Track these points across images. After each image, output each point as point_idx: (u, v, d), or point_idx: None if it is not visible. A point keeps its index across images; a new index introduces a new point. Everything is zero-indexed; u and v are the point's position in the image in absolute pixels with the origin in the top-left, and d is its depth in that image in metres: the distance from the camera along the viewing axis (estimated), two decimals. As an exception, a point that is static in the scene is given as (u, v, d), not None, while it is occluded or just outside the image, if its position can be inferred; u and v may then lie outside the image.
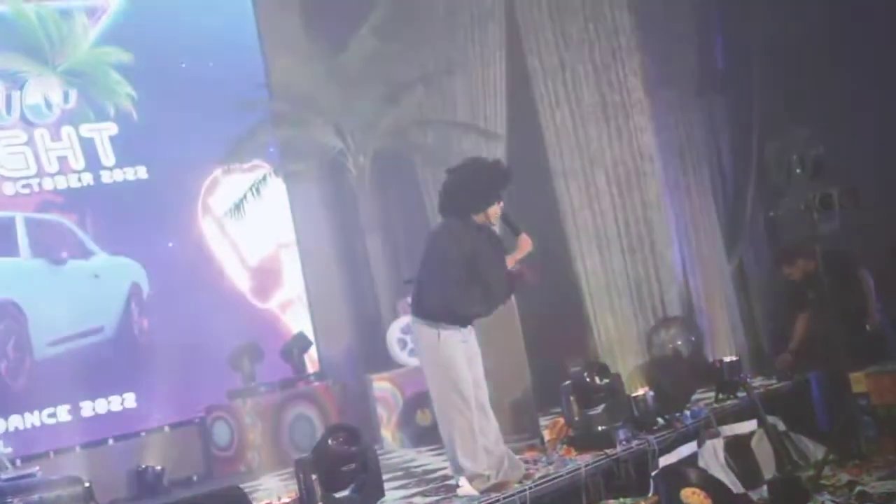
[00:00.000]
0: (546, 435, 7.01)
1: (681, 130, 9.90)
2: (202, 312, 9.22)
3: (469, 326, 5.82)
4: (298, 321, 9.81)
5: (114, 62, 9.15)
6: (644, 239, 9.73)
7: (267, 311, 9.80)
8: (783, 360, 8.40)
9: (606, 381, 6.70)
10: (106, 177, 9.02)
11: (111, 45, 9.14)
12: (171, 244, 9.31)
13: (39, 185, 8.68)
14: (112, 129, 9.10)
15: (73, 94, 8.92)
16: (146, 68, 9.24)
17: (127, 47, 9.17)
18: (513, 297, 6.88)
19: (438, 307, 5.70)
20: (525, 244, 5.83)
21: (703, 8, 9.65)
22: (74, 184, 8.84)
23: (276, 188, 9.70)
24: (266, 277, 9.85)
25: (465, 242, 5.70)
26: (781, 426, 7.51)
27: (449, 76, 9.99)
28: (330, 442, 5.44)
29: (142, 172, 9.19)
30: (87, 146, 8.95)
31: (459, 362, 5.70)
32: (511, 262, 5.84)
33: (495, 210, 5.84)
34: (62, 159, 8.83)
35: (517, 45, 9.98)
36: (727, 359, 8.01)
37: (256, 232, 9.73)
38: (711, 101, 9.95)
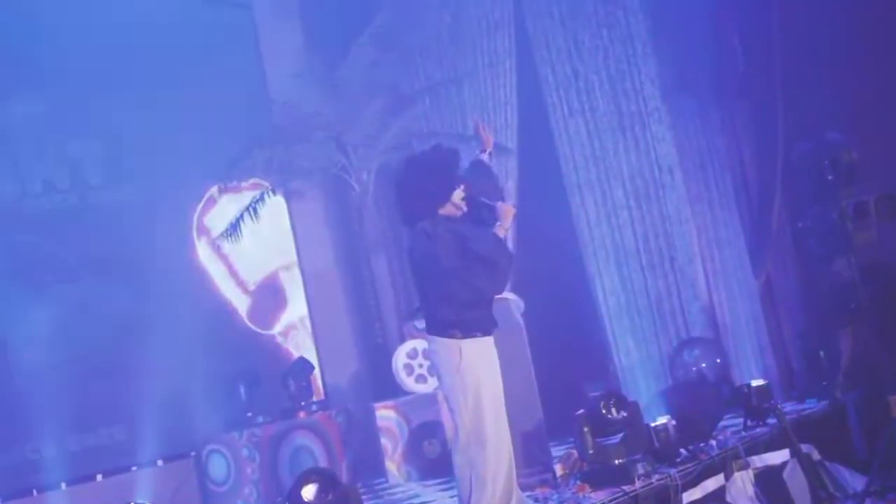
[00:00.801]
0: (558, 469, 6.48)
1: (701, 139, 9.52)
2: (198, 338, 8.74)
3: (491, 338, 5.38)
4: (301, 346, 9.33)
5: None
6: (664, 254, 9.33)
7: (267, 336, 9.31)
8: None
9: (624, 414, 6.19)
10: (93, 196, 8.56)
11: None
12: (163, 266, 8.81)
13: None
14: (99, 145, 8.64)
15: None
16: (138, 80, 8.75)
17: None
18: (520, 318, 6.43)
19: (453, 315, 5.26)
20: (507, 211, 5.44)
21: (720, 9, 9.17)
22: (59, 204, 8.38)
23: (276, 207, 9.23)
24: (266, 301, 9.36)
25: (445, 237, 5.27)
26: (816, 455, 7.05)
27: (456, 86, 9.55)
28: (303, 493, 4.87)
29: (131, 191, 8.72)
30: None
31: (488, 379, 5.26)
32: (501, 231, 5.40)
33: (459, 194, 5.38)
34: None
35: (527, 53, 9.59)
36: (756, 382, 7.49)
37: (255, 253, 9.25)
38: (732, 108, 9.54)
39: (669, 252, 9.31)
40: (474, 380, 5.23)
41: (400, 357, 8.45)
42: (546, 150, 9.52)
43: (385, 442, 8.12)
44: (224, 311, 9.14)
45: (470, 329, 5.25)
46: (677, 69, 9.24)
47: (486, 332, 5.34)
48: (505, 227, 5.39)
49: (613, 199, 9.40)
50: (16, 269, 8.09)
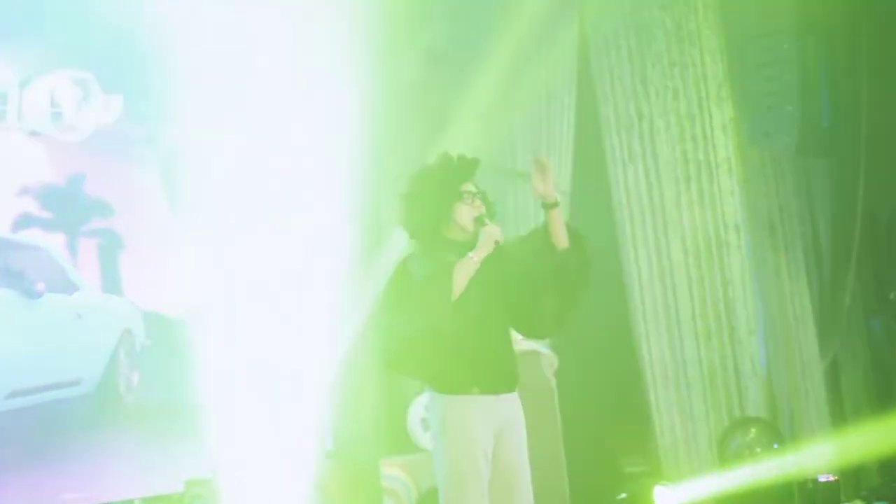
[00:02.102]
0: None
1: (773, 199, 8.68)
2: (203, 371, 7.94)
3: (501, 395, 4.42)
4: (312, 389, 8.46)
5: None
6: (723, 323, 8.46)
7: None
8: None
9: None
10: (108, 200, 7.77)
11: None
12: (174, 286, 8.03)
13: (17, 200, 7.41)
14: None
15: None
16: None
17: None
18: (552, 376, 5.57)
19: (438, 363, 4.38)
20: (488, 235, 4.37)
21: (809, 55, 8.32)
22: (68, 203, 7.59)
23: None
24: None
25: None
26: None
27: (509, 117, 8.79)
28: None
29: (152, 197, 7.94)
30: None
31: (474, 456, 4.29)
32: (469, 264, 4.34)
33: (465, 212, 4.46)
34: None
35: (589, 89, 8.81)
36: (822, 477, 6.56)
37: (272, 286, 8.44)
38: (810, 167, 8.67)
39: (728, 320, 8.45)
40: (455, 451, 4.31)
41: (416, 408, 7.59)
42: (601, 197, 8.73)
43: (390, 504, 7.26)
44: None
45: (459, 383, 4.34)
46: (754, 118, 8.37)
47: (490, 390, 4.42)
48: (477, 258, 4.35)
49: (670, 257, 8.55)
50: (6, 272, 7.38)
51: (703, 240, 8.50)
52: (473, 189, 4.50)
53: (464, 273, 4.32)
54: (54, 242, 7.48)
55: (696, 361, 8.37)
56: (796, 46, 8.21)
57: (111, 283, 7.74)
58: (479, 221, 4.43)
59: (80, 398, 7.50)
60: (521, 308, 4.48)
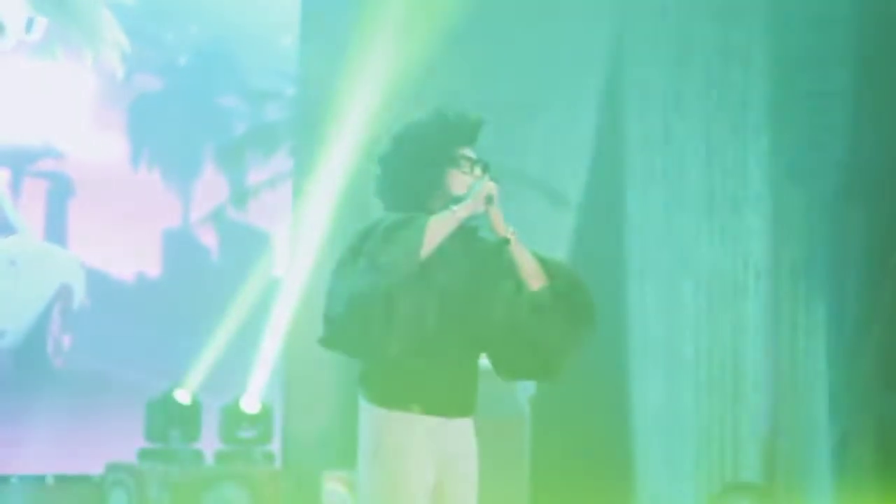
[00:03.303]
0: None
1: (801, 245, 7.92)
2: (147, 342, 7.16)
3: (451, 420, 3.52)
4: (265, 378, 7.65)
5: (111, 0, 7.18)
6: (727, 373, 7.75)
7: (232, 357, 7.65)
8: None
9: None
10: (60, 141, 6.96)
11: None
12: (128, 247, 7.23)
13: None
14: (85, 82, 7.06)
15: (41, 24, 6.90)
16: (149, 19, 7.29)
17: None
18: (526, 404, 4.72)
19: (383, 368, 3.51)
20: (479, 191, 3.41)
21: (864, 91, 7.52)
22: (14, 138, 6.78)
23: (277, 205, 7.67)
24: (241, 315, 7.72)
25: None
26: None
27: (527, 116, 8.03)
28: None
29: (111, 147, 7.16)
30: (44, 95, 6.90)
31: (407, 489, 3.43)
32: (456, 216, 3.39)
33: (462, 180, 3.48)
34: (4, 101, 6.75)
35: (616, 98, 8.05)
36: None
37: (240, 257, 7.65)
38: (849, 216, 7.87)
39: (733, 372, 7.74)
40: (387, 482, 3.50)
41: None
42: (613, 218, 8.00)
43: (329, 523, 6.40)
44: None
45: (396, 394, 3.52)
46: (794, 153, 7.61)
47: (436, 410, 3.50)
48: (461, 213, 3.40)
49: (680, 293, 7.83)
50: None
51: (719, 280, 7.78)
52: (473, 156, 3.62)
53: (440, 230, 3.43)
54: (-5, 177, 6.71)
55: (693, 412, 7.68)
56: (851, 80, 7.43)
57: (55, 231, 6.99)
58: (488, 200, 3.54)
59: (0, 353, 6.70)
60: (497, 350, 3.65)
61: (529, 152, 8.18)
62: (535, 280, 3.48)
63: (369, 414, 3.42)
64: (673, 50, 7.97)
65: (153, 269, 7.34)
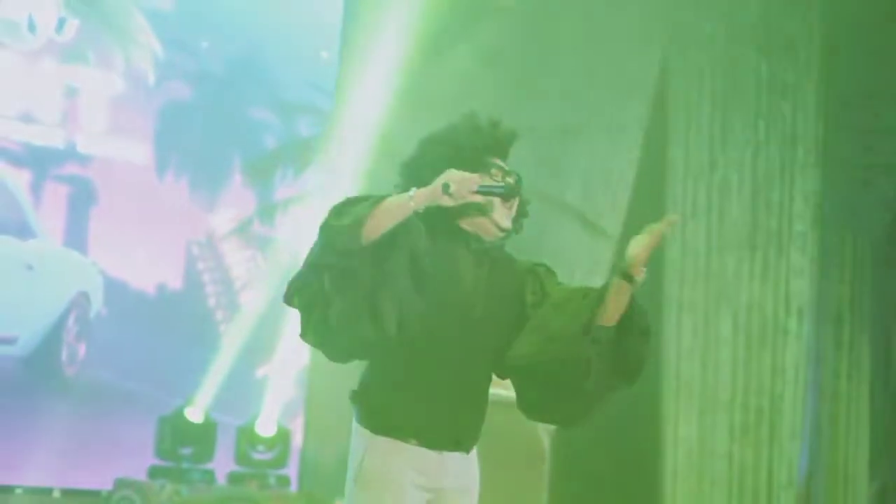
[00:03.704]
0: None
1: (846, 287, 7.71)
2: (164, 356, 6.95)
3: (447, 454, 3.23)
4: (284, 400, 7.40)
5: (145, 4, 7.00)
6: (764, 417, 7.41)
7: (249, 374, 7.42)
8: None
9: None
10: (86, 145, 6.78)
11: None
12: (150, 256, 7.03)
13: (-14, 125, 6.46)
14: (114, 86, 6.89)
15: (73, 26, 6.72)
16: (184, 27, 7.12)
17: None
18: (546, 440, 4.44)
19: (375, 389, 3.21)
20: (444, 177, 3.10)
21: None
22: (38, 140, 6.59)
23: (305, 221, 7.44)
24: (261, 332, 7.48)
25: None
26: None
27: (564, 142, 7.78)
28: None
29: (139, 154, 6.97)
30: (71, 97, 6.74)
31: None
32: (413, 201, 3.00)
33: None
34: (30, 101, 6.56)
35: (661, 126, 7.78)
36: None
37: (265, 273, 7.41)
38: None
39: (771, 416, 7.39)
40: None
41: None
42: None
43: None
44: (208, 331, 7.33)
45: (391, 421, 3.19)
46: (843, 192, 7.29)
47: (432, 444, 3.19)
48: (419, 199, 3.02)
49: (718, 331, 7.49)
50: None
51: (759, 319, 7.46)
52: (506, 168, 3.36)
53: (392, 211, 3.11)
54: (17, 179, 6.51)
55: (727, 456, 7.33)
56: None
57: (75, 237, 6.79)
58: (444, 188, 3.24)
59: (12, 359, 6.55)
60: (522, 383, 3.35)
61: (569, 179, 7.93)
62: (612, 318, 3.07)
63: (357, 435, 3.17)
64: (720, 81, 7.70)
65: (175, 281, 7.13)
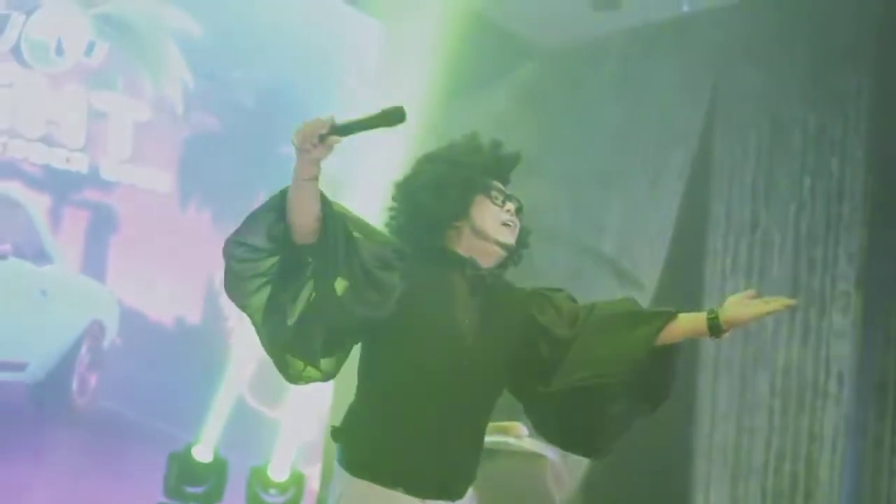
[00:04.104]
0: None
1: (892, 354, 7.11)
2: (178, 391, 6.75)
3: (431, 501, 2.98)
4: (303, 442, 7.17)
5: (176, 30, 6.88)
6: (799, 487, 6.98)
7: (263, 414, 7.20)
8: None
9: None
10: (109, 171, 6.65)
11: (181, 8, 6.88)
12: (170, 288, 6.86)
13: (5, 144, 6.30)
14: (142, 113, 6.77)
15: (103, 50, 6.60)
16: (217, 56, 7.00)
17: (202, 19, 6.95)
18: (556, 494, 4.16)
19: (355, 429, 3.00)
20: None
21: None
22: (60, 163, 6.46)
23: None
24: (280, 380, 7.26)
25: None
26: None
27: (602, 190, 7.56)
28: None
29: (163, 183, 6.83)
30: (97, 122, 6.61)
31: None
32: (300, 173, 2.84)
33: (490, 211, 3.04)
34: (54, 125, 6.47)
35: (703, 180, 7.53)
36: None
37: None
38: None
39: (806, 486, 6.95)
40: None
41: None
42: (688, 305, 7.30)
43: None
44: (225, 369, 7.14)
45: (369, 464, 2.93)
46: (891, 252, 6.94)
47: (419, 492, 2.90)
48: (302, 164, 2.82)
49: (754, 393, 7.15)
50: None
51: (798, 382, 7.07)
52: (506, 191, 3.15)
53: (296, 189, 2.83)
54: (36, 203, 6.38)
55: (759, 525, 6.92)
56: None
57: (93, 265, 6.62)
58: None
59: (21, 386, 6.36)
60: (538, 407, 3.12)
61: (606, 228, 7.72)
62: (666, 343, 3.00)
63: (337, 475, 2.94)
64: (766, 134, 7.43)
65: (194, 316, 6.94)
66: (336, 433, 2.97)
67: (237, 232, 2.86)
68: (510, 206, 3.07)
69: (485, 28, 7.66)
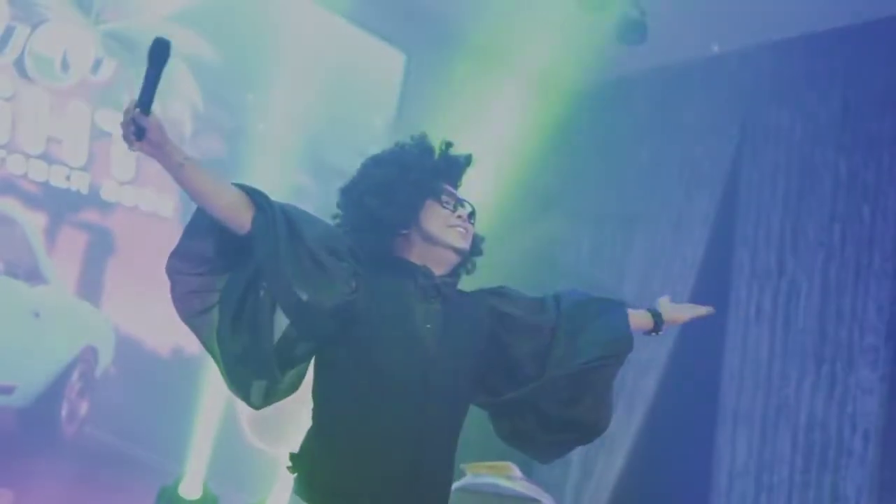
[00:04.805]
0: None
1: None
2: (172, 423, 6.50)
3: None
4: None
5: (187, 53, 6.70)
6: None
7: (261, 452, 6.94)
8: None
9: None
10: (110, 192, 6.44)
11: (192, 29, 6.70)
12: (168, 316, 6.60)
13: (4, 159, 6.08)
14: (146, 135, 6.55)
15: (109, 67, 6.41)
16: (229, 80, 6.81)
17: (216, 41, 6.76)
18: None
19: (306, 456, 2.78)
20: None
21: None
22: (60, 181, 6.26)
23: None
24: (279, 416, 7.01)
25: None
26: None
27: (625, 230, 7.30)
28: None
29: (166, 208, 6.62)
30: (100, 141, 6.41)
31: None
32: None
33: (441, 215, 2.88)
34: (55, 142, 6.28)
35: (727, 224, 7.26)
36: None
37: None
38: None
39: (828, 548, 6.61)
40: None
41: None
42: (709, 354, 7.11)
43: None
44: (221, 405, 6.89)
45: (328, 496, 2.69)
46: (924, 304, 6.64)
47: None
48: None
49: (775, 448, 6.82)
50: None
51: (821, 439, 6.74)
52: (458, 195, 2.96)
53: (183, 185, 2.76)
54: (32, 221, 6.17)
55: (775, 588, 6.55)
56: None
57: (89, 288, 6.39)
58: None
59: (8, 410, 6.10)
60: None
61: (627, 269, 7.46)
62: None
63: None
64: (794, 179, 7.16)
65: (192, 345, 6.64)
66: (295, 461, 2.73)
67: (178, 246, 2.69)
68: (462, 211, 2.87)
69: (509, 64, 7.47)
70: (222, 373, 2.76)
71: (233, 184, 2.72)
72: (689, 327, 7.10)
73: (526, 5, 6.73)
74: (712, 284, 7.21)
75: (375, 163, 2.91)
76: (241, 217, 2.62)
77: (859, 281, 6.78)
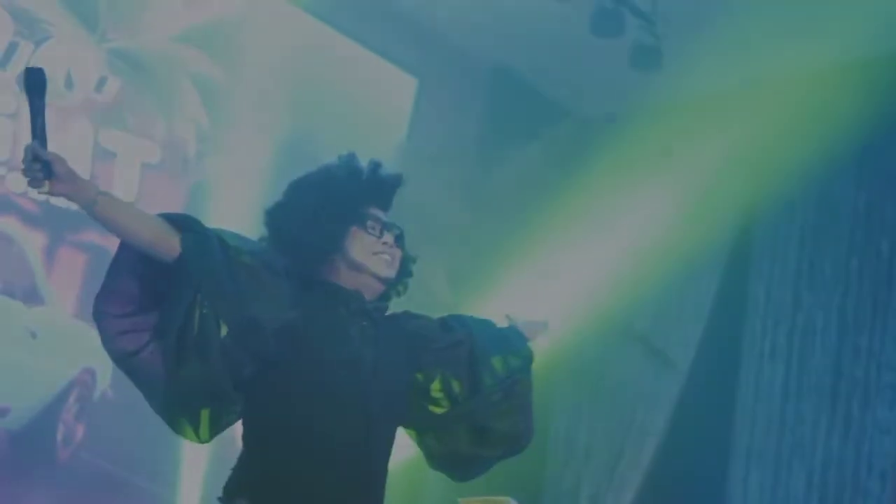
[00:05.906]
0: None
1: None
2: (169, 449, 6.35)
3: None
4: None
5: (194, 72, 6.61)
6: None
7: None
8: None
9: None
10: (113, 214, 6.32)
11: (199, 48, 6.62)
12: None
13: (3, 177, 5.99)
14: (151, 155, 6.47)
15: (114, 85, 6.33)
16: (237, 99, 6.72)
17: (223, 61, 6.68)
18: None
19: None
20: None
21: None
22: (60, 200, 6.11)
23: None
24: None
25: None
26: None
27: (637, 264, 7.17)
28: None
29: (169, 231, 6.49)
30: (103, 161, 6.32)
31: None
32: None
33: (365, 242, 2.82)
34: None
35: (743, 259, 7.14)
36: None
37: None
38: None
39: (842, 591, 6.44)
40: None
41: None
42: (723, 392, 6.98)
43: None
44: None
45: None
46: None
47: None
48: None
49: (789, 489, 6.69)
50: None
51: (836, 479, 6.60)
52: (384, 218, 2.87)
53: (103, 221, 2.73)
54: (31, 240, 6.06)
55: None
56: None
57: (88, 309, 6.18)
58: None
59: (1, 433, 5.96)
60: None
61: (640, 305, 7.31)
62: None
63: None
64: (811, 213, 7.03)
65: (192, 370, 6.56)
66: (227, 491, 2.63)
67: (102, 288, 2.68)
68: (388, 236, 2.78)
69: (521, 91, 7.38)
70: (161, 410, 2.65)
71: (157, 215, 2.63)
72: (702, 362, 7.02)
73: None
74: (725, 320, 7.09)
75: (300, 187, 2.84)
76: (168, 241, 2.53)
77: (877, 317, 6.65)
